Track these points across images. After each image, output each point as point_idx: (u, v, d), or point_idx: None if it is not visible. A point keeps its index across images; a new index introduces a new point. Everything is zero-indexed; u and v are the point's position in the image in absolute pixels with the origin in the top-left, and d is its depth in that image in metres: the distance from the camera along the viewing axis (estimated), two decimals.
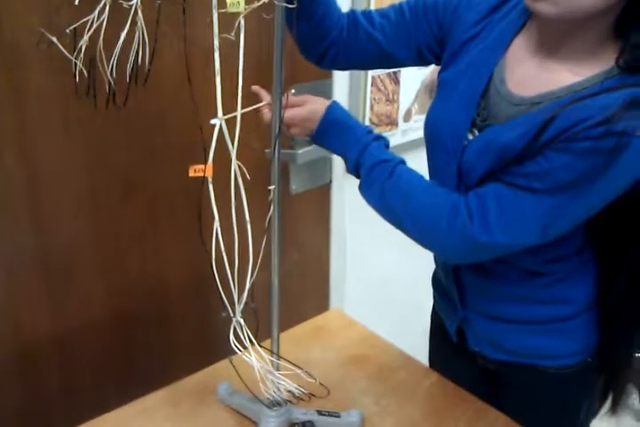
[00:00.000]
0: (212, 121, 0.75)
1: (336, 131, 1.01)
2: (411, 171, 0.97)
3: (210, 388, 1.17)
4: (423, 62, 1.09)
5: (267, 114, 1.03)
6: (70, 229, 1.23)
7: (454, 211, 0.89)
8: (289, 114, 1.00)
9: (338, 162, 1.61)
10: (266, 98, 1.04)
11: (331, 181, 1.65)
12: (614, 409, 1.11)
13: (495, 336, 1.09)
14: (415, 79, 1.70)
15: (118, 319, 1.37)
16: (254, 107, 0.87)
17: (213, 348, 1.44)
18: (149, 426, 1.10)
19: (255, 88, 1.05)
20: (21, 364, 1.26)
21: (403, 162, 0.98)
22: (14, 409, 1.28)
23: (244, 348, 0.94)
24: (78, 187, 1.21)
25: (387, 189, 0.95)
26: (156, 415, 1.12)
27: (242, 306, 0.92)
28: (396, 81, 1.64)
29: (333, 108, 1.02)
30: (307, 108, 1.02)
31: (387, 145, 1.01)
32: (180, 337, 1.49)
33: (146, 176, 1.29)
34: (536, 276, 1.02)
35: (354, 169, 1.00)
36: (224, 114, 0.78)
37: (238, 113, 0.79)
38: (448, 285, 1.12)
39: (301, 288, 1.72)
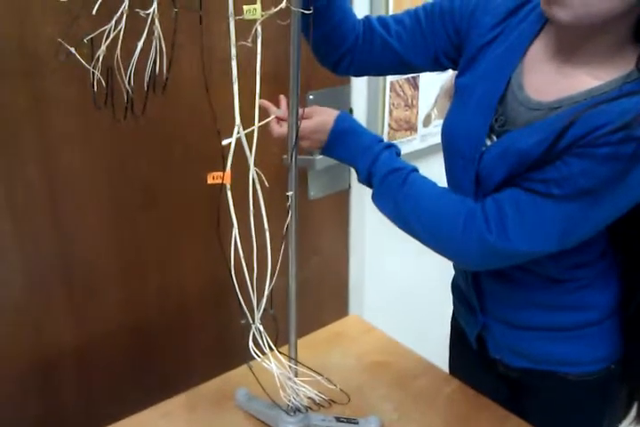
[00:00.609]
0: (225, 142, 0.75)
1: (346, 141, 1.01)
2: (424, 178, 0.96)
3: (228, 394, 1.17)
4: (440, 68, 1.08)
5: (275, 128, 1.04)
6: (91, 239, 1.24)
7: (470, 218, 0.88)
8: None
9: None
10: (273, 112, 1.05)
11: (350, 187, 1.64)
12: (639, 418, 1.09)
13: (516, 343, 1.07)
14: (434, 84, 1.69)
15: (138, 328, 1.37)
16: (263, 122, 0.87)
17: (232, 354, 1.44)
18: None
19: (263, 103, 1.05)
20: (41, 371, 1.27)
21: (415, 170, 0.98)
22: (34, 416, 1.29)
23: (263, 354, 0.94)
24: (99, 196, 1.22)
25: (400, 198, 0.95)
26: (174, 421, 1.12)
27: (261, 313, 0.92)
28: (415, 86, 1.64)
29: (342, 118, 1.02)
30: (315, 119, 1.01)
31: (398, 153, 1.01)
32: (199, 344, 1.49)
33: (166, 185, 1.30)
34: (558, 282, 1.00)
35: (366, 179, 1.00)
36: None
37: (256, 124, 0.79)
38: (467, 291, 1.11)
39: (320, 294, 1.71)
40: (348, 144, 1.01)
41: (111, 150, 1.20)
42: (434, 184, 0.96)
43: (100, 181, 1.21)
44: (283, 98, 1.06)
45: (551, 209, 0.83)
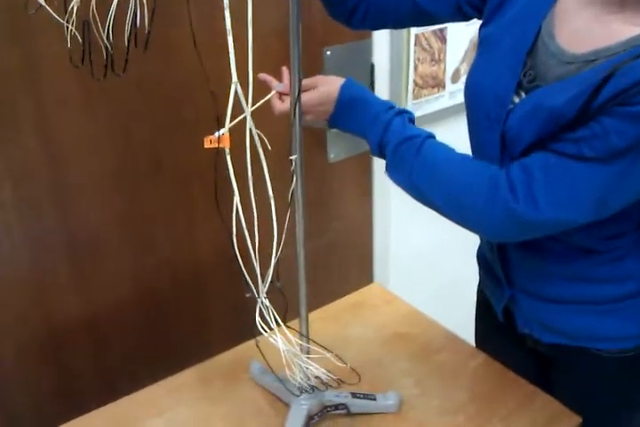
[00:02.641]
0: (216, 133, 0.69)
1: (354, 111, 0.93)
2: (441, 145, 0.89)
3: (243, 365, 1.13)
4: (462, 18, 0.99)
5: (277, 105, 0.96)
6: (96, 208, 1.20)
7: (494, 185, 0.81)
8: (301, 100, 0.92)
9: None
10: (275, 86, 0.97)
11: None
12: None
13: (545, 317, 1.01)
14: (463, 36, 1.59)
15: (150, 299, 1.34)
16: (264, 99, 0.79)
17: (248, 324, 1.41)
18: (181, 403, 1.08)
19: (262, 76, 0.98)
20: (53, 345, 1.25)
21: (431, 136, 0.90)
22: (48, 390, 1.28)
23: (271, 329, 0.89)
24: (102, 163, 1.17)
25: (416, 168, 0.87)
26: (186, 395, 1.09)
27: (267, 285, 0.87)
28: (443, 39, 1.54)
29: (348, 86, 0.94)
30: (319, 90, 0.94)
31: (412, 119, 0.93)
32: (213, 314, 1.46)
33: (173, 149, 1.24)
34: (591, 253, 0.93)
35: (378, 150, 0.92)
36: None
37: (250, 84, 0.72)
38: (493, 262, 1.05)
39: (343, 262, 1.66)
40: (356, 114, 0.93)
41: (114, 114, 1.15)
42: (452, 151, 0.88)
43: (100, 146, 1.16)
44: (285, 70, 0.98)
45: (583, 173, 0.76)
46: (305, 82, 0.94)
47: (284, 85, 0.98)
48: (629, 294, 0.95)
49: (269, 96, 0.93)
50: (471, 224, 0.86)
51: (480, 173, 0.84)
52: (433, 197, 0.87)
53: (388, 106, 0.93)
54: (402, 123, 0.90)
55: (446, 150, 0.88)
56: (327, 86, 0.94)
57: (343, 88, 0.94)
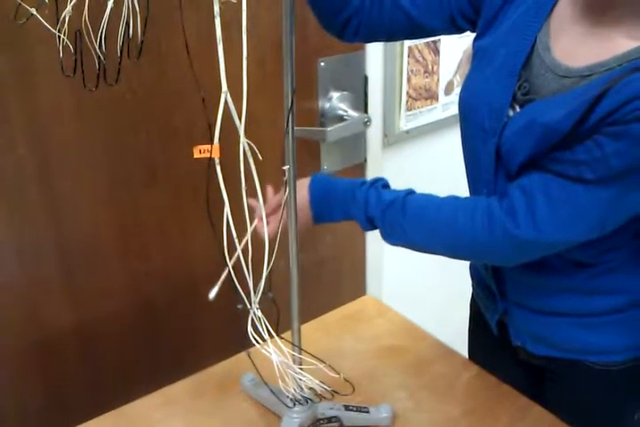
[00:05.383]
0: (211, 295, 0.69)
1: (330, 203, 0.96)
2: (422, 196, 0.91)
3: (236, 377, 1.12)
4: (456, 30, 0.99)
5: (262, 230, 0.93)
6: (89, 217, 1.19)
7: (488, 217, 0.82)
8: (278, 219, 0.93)
9: (373, 139, 1.53)
10: (258, 210, 0.96)
11: (365, 161, 1.56)
12: None
13: (538, 330, 1.00)
14: (456, 48, 1.59)
15: (144, 310, 1.33)
16: (250, 228, 0.80)
17: (242, 335, 1.40)
18: (172, 416, 1.06)
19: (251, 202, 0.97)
20: (43, 354, 1.24)
21: (410, 192, 0.92)
22: (38, 400, 1.26)
23: (263, 340, 0.88)
24: (95, 172, 1.17)
25: (408, 227, 0.89)
26: (179, 405, 1.08)
27: (259, 297, 0.86)
28: (436, 51, 1.54)
29: (314, 184, 0.96)
30: None
31: (385, 184, 0.95)
32: (206, 325, 1.45)
33: (167, 158, 1.24)
34: (586, 266, 0.92)
35: (369, 225, 0.94)
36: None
37: (244, 104, 0.71)
38: (486, 275, 1.04)
39: (336, 275, 1.65)
40: (334, 204, 0.96)
41: (108, 123, 1.15)
42: (434, 197, 0.91)
43: (93, 156, 1.16)
44: (270, 190, 1.01)
45: (584, 195, 0.76)
46: (277, 198, 0.97)
47: (268, 206, 0.99)
48: (621, 306, 0.94)
49: (253, 225, 0.94)
50: (477, 258, 0.90)
51: (470, 209, 0.85)
52: (434, 247, 0.90)
53: (358, 183, 0.95)
54: (376, 193, 0.92)
55: (429, 200, 0.90)
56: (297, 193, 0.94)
57: (311, 186, 0.96)
